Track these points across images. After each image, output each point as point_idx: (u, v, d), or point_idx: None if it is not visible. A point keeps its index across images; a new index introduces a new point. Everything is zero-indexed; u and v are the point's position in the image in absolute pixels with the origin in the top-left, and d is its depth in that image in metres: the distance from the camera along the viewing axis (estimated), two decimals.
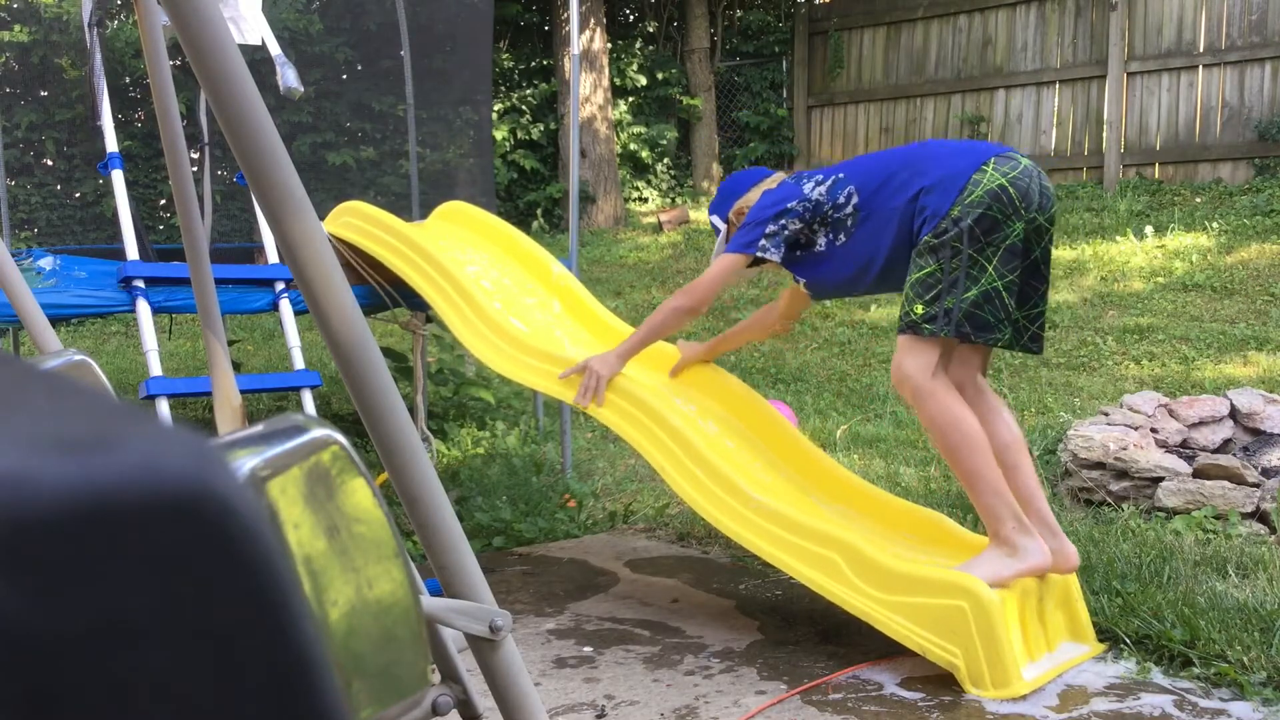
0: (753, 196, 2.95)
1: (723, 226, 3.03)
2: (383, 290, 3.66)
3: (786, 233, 2.78)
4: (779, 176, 2.99)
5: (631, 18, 12.14)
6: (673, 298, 2.94)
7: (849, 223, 2.76)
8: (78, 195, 8.27)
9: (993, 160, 2.59)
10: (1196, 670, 2.53)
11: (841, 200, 2.76)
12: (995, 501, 2.59)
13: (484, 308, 3.31)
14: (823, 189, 2.80)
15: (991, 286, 2.54)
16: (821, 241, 2.81)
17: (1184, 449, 3.80)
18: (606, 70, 10.49)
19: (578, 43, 4.36)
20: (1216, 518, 3.36)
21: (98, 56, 3.46)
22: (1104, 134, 9.13)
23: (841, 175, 2.80)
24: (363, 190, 7.68)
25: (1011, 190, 2.55)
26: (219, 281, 1.85)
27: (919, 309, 2.56)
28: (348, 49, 7.87)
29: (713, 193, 11.06)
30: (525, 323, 3.44)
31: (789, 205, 2.78)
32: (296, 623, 0.31)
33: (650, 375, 3.29)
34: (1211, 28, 8.71)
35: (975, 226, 2.53)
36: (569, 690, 2.56)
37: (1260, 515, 3.38)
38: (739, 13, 11.74)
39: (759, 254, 2.79)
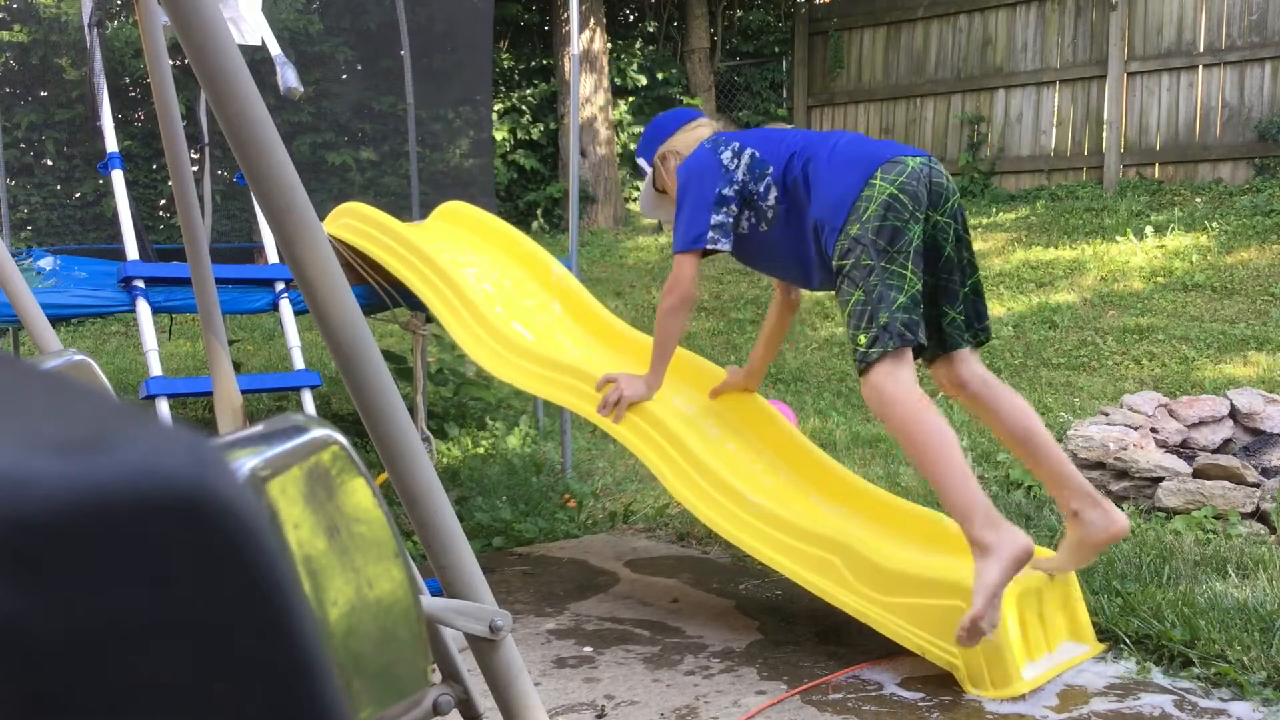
0: (679, 141, 2.95)
1: (649, 169, 3.03)
2: (383, 290, 3.66)
3: (730, 220, 2.78)
4: (702, 123, 2.98)
5: (631, 18, 12.14)
6: (661, 302, 2.92)
7: (769, 214, 2.77)
8: (78, 195, 8.27)
9: (878, 171, 2.58)
10: (1196, 670, 2.53)
11: (762, 190, 2.77)
12: (961, 498, 2.47)
13: (483, 312, 3.31)
14: (742, 168, 2.77)
15: (914, 290, 2.53)
16: (745, 224, 2.81)
17: (1184, 449, 3.80)
18: (606, 70, 10.49)
19: (578, 43, 4.36)
20: (1216, 518, 3.36)
21: (98, 56, 3.46)
22: (1104, 134, 9.13)
23: (756, 154, 2.78)
24: (363, 190, 7.69)
25: (902, 196, 2.54)
26: (219, 281, 1.84)
27: (862, 340, 2.54)
28: (348, 49, 7.87)
29: None
30: (526, 326, 3.44)
31: (722, 191, 2.76)
32: (296, 623, 0.31)
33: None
34: (1211, 28, 8.71)
35: (877, 239, 2.53)
36: (569, 690, 2.56)
37: (1260, 515, 3.38)
38: (739, 13, 11.74)
39: (709, 247, 2.79)
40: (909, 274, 2.53)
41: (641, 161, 3.07)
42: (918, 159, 2.62)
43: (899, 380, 2.52)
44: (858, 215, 2.55)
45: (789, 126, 2.91)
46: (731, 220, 2.78)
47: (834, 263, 2.60)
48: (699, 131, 2.96)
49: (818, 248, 2.69)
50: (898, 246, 2.52)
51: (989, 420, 2.78)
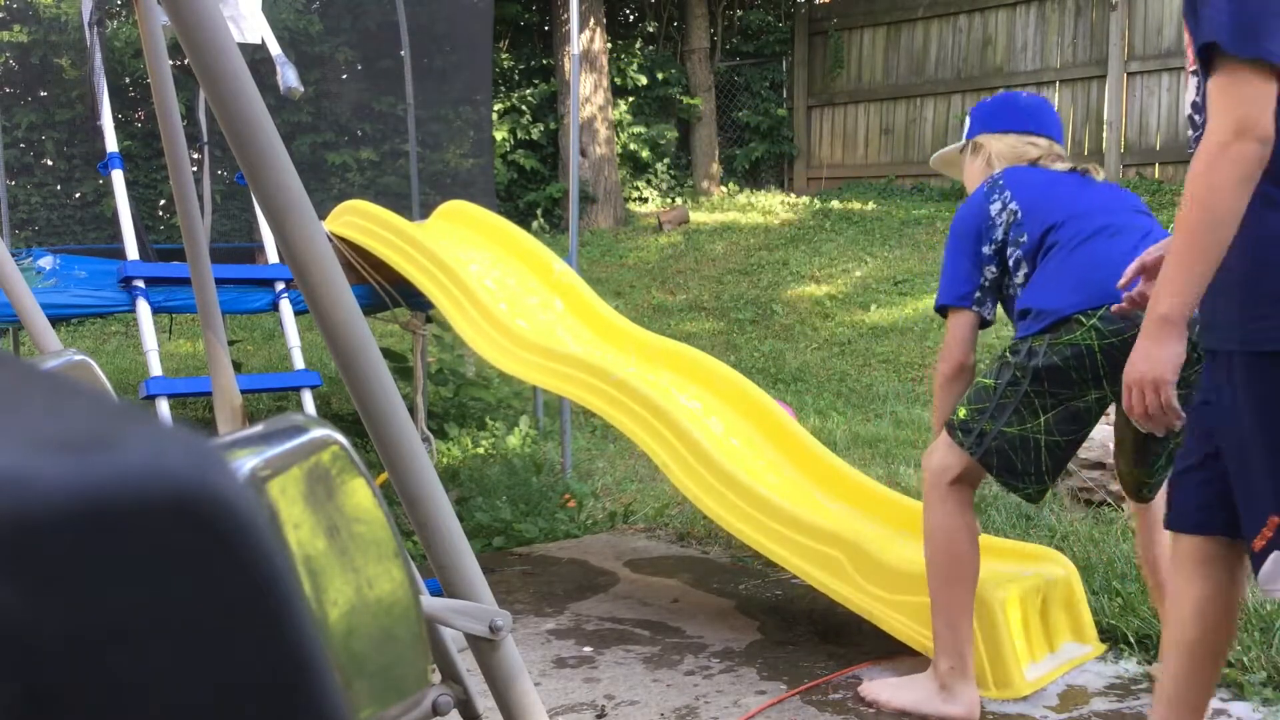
0: (994, 147, 2.57)
1: (966, 149, 2.67)
2: (383, 290, 3.66)
3: (989, 279, 2.46)
4: (1036, 142, 2.58)
5: (631, 18, 12.15)
6: (937, 374, 2.60)
7: (1017, 281, 2.44)
8: (78, 195, 8.27)
9: (1102, 310, 2.21)
10: None
11: (1011, 262, 2.43)
12: (946, 633, 2.34)
13: (488, 307, 3.31)
14: (1001, 227, 2.43)
15: (1034, 436, 2.28)
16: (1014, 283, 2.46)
17: None
18: (606, 70, 10.49)
19: (578, 43, 4.36)
20: None
21: (98, 56, 3.46)
22: (1104, 134, 9.13)
23: (1019, 213, 2.41)
24: (363, 190, 7.68)
25: (1099, 356, 2.21)
26: (219, 281, 1.84)
27: (962, 412, 2.36)
28: (348, 49, 7.87)
29: (713, 193, 11.07)
30: (529, 322, 3.44)
31: (984, 251, 2.44)
32: (296, 623, 0.31)
33: (657, 372, 3.29)
34: None
35: (1044, 370, 2.25)
36: (569, 690, 2.56)
37: None
38: (739, 13, 11.74)
39: (978, 309, 2.47)
40: (1043, 419, 2.27)
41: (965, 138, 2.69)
42: None
43: (944, 465, 2.36)
44: (1052, 334, 2.25)
45: (1085, 176, 2.52)
46: (988, 283, 2.45)
47: (1007, 346, 2.38)
48: (1024, 150, 2.57)
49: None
50: (1057, 393, 2.26)
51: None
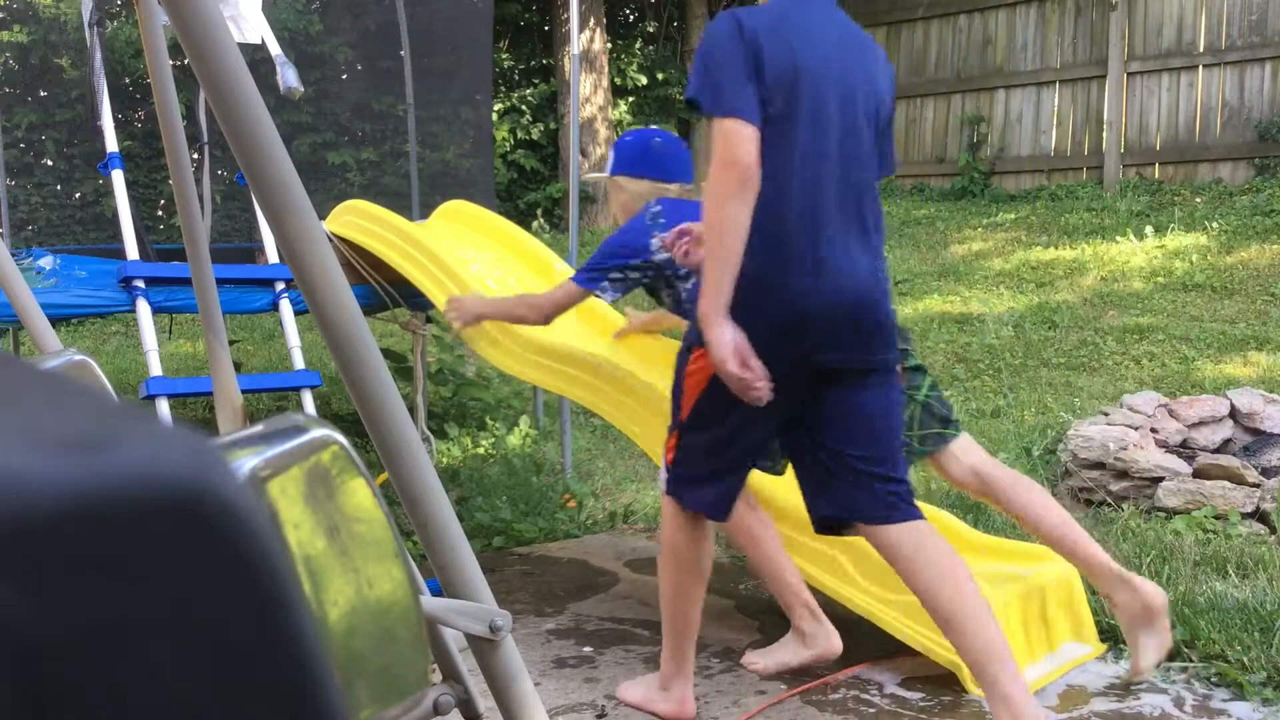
0: (638, 190, 3.00)
1: (604, 180, 3.12)
2: (383, 290, 3.66)
3: (628, 284, 2.90)
4: (658, 192, 2.98)
5: (631, 18, 12.14)
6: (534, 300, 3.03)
7: (685, 296, 2.86)
8: (78, 195, 8.27)
9: None
10: (1196, 670, 2.53)
11: (683, 275, 2.84)
12: (783, 591, 2.65)
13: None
14: (660, 258, 2.84)
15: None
16: (682, 293, 2.89)
17: (1184, 449, 3.80)
18: (606, 70, 10.49)
19: (578, 43, 4.36)
20: (1216, 518, 3.36)
21: (98, 56, 3.46)
22: (1104, 134, 9.13)
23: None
24: (363, 190, 7.68)
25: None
26: (219, 281, 1.84)
27: None
28: (348, 49, 7.87)
29: None
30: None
31: (631, 263, 2.86)
32: (296, 622, 0.31)
33: (654, 371, 3.29)
34: (1211, 28, 8.71)
35: None
36: (569, 690, 2.56)
37: (1260, 515, 3.38)
38: None
39: (598, 293, 2.90)
40: None
41: (607, 170, 3.11)
42: None
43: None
44: None
45: None
46: (628, 282, 2.93)
47: None
48: (660, 192, 3.00)
49: None
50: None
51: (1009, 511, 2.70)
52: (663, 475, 2.38)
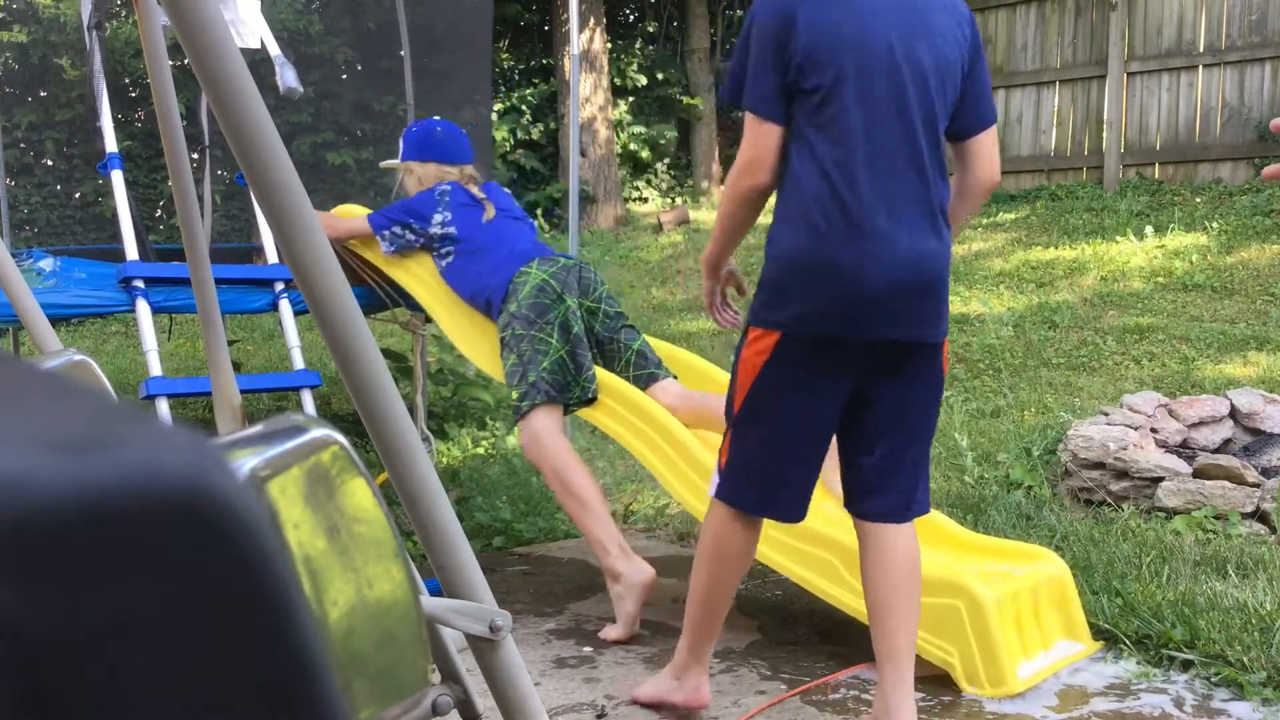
0: (425, 173, 3.48)
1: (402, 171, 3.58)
2: (382, 290, 3.66)
3: (403, 241, 3.40)
4: (448, 173, 3.46)
5: (631, 18, 12.14)
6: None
7: (444, 265, 3.36)
8: (78, 195, 8.27)
9: (535, 261, 3.14)
10: (1196, 670, 2.53)
11: (442, 252, 3.35)
12: (599, 534, 2.87)
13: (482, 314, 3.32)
14: (435, 231, 3.34)
15: (557, 354, 3.02)
16: (442, 263, 3.36)
17: (1184, 449, 3.80)
18: (606, 70, 10.49)
19: (578, 43, 4.36)
20: (1216, 518, 3.36)
21: (97, 58, 3.46)
22: (1104, 134, 9.13)
23: (454, 232, 3.32)
24: (363, 190, 7.68)
25: (553, 282, 3.09)
26: (219, 281, 1.83)
27: (514, 395, 3.04)
28: (348, 49, 7.87)
29: (713, 193, 11.07)
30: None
31: (412, 225, 3.36)
32: (296, 623, 0.31)
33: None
34: (1211, 28, 8.71)
35: (529, 313, 3.04)
36: (569, 690, 2.56)
37: (1260, 515, 3.38)
38: (739, 12, 11.74)
39: (380, 239, 3.42)
40: (554, 342, 3.03)
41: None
42: (569, 259, 3.23)
43: (535, 431, 2.98)
44: (514, 294, 3.11)
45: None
46: (403, 241, 3.46)
47: (500, 334, 3.15)
48: (444, 174, 3.48)
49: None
50: (545, 319, 3.05)
51: (701, 424, 3.05)
52: (714, 479, 2.30)
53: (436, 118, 3.74)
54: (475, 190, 3.43)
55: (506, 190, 3.64)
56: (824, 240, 2.06)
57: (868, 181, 2.06)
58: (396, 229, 3.38)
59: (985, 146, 2.25)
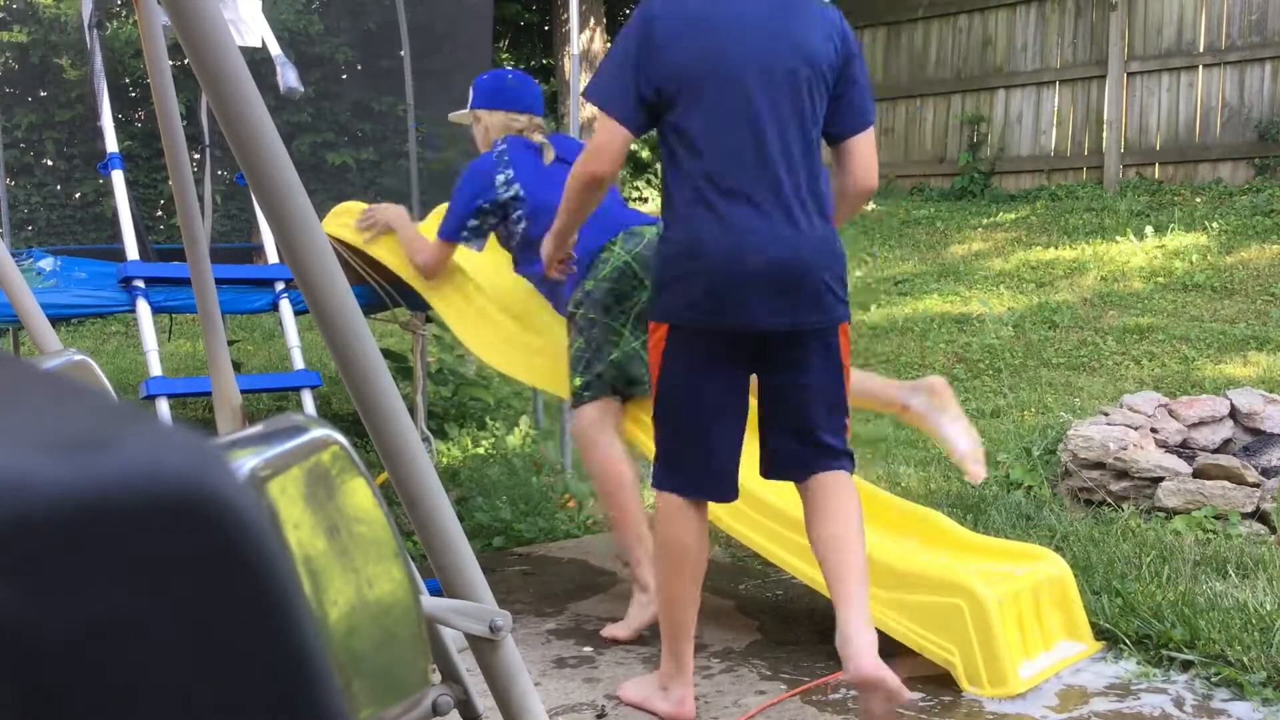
0: (493, 122, 3.22)
1: (470, 121, 3.34)
2: (383, 290, 3.66)
3: (484, 228, 3.14)
4: (516, 121, 3.20)
5: None
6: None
7: (518, 239, 3.11)
8: (78, 195, 8.27)
9: (620, 236, 2.91)
10: (1196, 670, 2.53)
11: (514, 220, 3.09)
12: (633, 543, 2.85)
13: (484, 308, 3.31)
14: (503, 195, 3.07)
15: (628, 348, 2.90)
16: (518, 232, 3.11)
17: (1184, 449, 3.79)
18: None
19: (578, 43, 4.36)
20: (1216, 518, 3.36)
21: (98, 58, 3.46)
22: (1104, 134, 9.13)
23: (520, 192, 3.07)
24: (363, 190, 7.68)
25: (635, 265, 2.88)
26: (219, 281, 1.83)
27: (576, 382, 2.93)
28: (348, 49, 7.87)
29: None
30: (528, 323, 3.43)
31: (481, 205, 3.08)
32: (296, 623, 0.31)
33: None
34: (1211, 28, 8.71)
35: (606, 298, 2.89)
36: (569, 690, 2.56)
37: (1260, 515, 3.38)
38: None
39: (463, 243, 3.17)
40: (626, 333, 2.91)
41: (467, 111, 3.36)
42: (654, 229, 2.88)
43: (588, 423, 2.94)
44: (594, 274, 2.92)
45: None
46: (485, 228, 3.17)
47: (569, 310, 2.99)
48: (510, 123, 3.23)
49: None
50: (623, 307, 2.91)
51: None
52: (654, 471, 2.41)
53: (509, 68, 3.59)
54: (537, 138, 3.21)
55: (579, 139, 3.43)
56: (697, 236, 2.22)
57: (729, 181, 2.21)
58: (472, 223, 3.11)
59: (860, 150, 2.38)
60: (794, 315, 2.22)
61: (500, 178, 3.08)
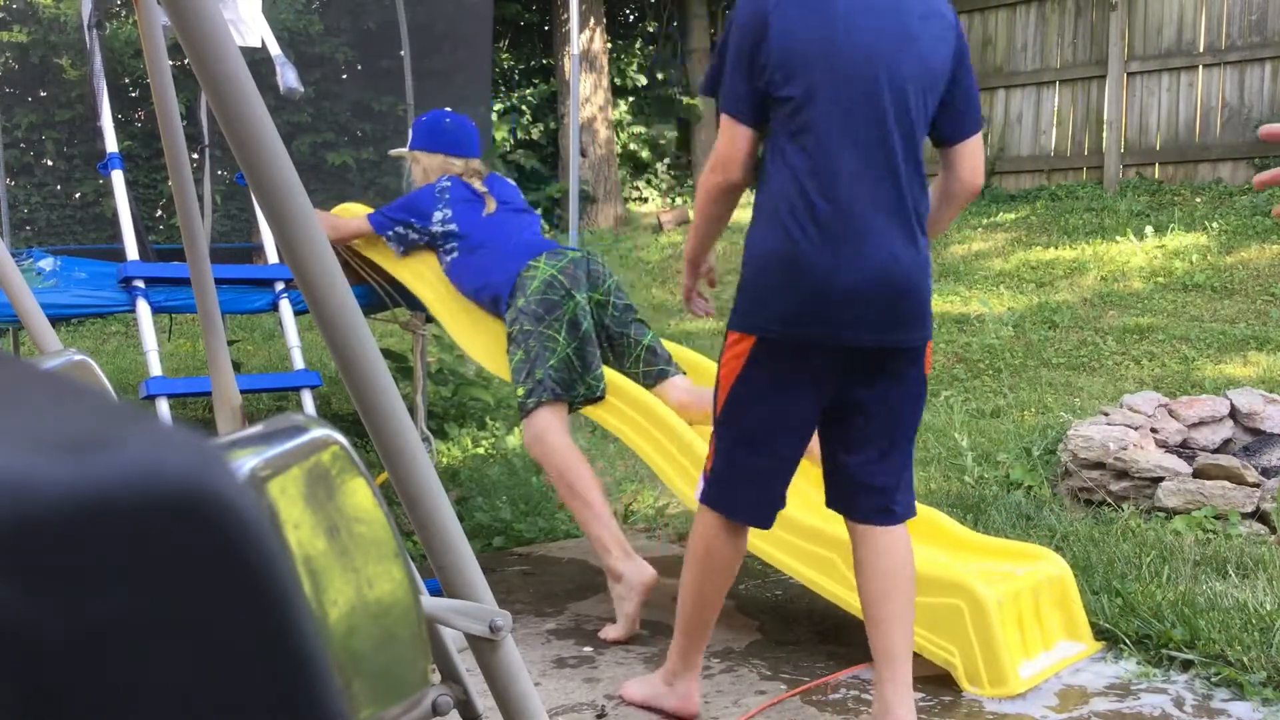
0: (431, 164, 3.45)
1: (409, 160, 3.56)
2: (383, 290, 3.66)
3: (408, 241, 3.38)
4: (453, 165, 3.43)
5: (631, 18, 12.14)
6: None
7: (446, 265, 3.33)
8: (78, 195, 8.26)
9: (543, 256, 3.11)
10: (1196, 670, 2.53)
11: (445, 249, 3.31)
12: (599, 533, 2.88)
13: (476, 310, 3.32)
14: (437, 229, 3.30)
15: (564, 352, 3.01)
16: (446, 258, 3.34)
17: (1184, 449, 3.79)
18: (606, 70, 10.48)
19: (578, 43, 4.36)
20: (1216, 518, 3.36)
21: (98, 57, 3.46)
22: (1104, 134, 9.13)
23: (456, 229, 3.28)
24: (363, 190, 7.68)
25: (561, 278, 3.06)
26: (219, 281, 1.83)
27: (520, 392, 3.04)
28: (347, 49, 7.86)
29: None
30: None
31: (413, 224, 3.34)
32: (296, 623, 0.31)
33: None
34: (1211, 28, 8.71)
35: (538, 309, 3.03)
36: (569, 690, 2.56)
37: (1260, 515, 3.38)
38: None
39: (387, 241, 3.40)
40: (561, 339, 3.02)
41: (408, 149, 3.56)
42: (577, 252, 3.20)
43: (539, 429, 2.98)
44: (523, 290, 3.09)
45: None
46: (409, 240, 3.44)
47: (506, 330, 3.13)
48: (448, 166, 3.45)
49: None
50: (554, 316, 3.04)
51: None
52: (700, 485, 2.34)
53: (448, 109, 3.70)
54: (477, 185, 3.39)
55: (511, 182, 3.60)
56: (796, 246, 2.08)
57: (840, 190, 2.07)
58: (399, 229, 3.35)
59: (970, 152, 2.25)
60: (895, 332, 2.11)
61: (438, 215, 3.31)
